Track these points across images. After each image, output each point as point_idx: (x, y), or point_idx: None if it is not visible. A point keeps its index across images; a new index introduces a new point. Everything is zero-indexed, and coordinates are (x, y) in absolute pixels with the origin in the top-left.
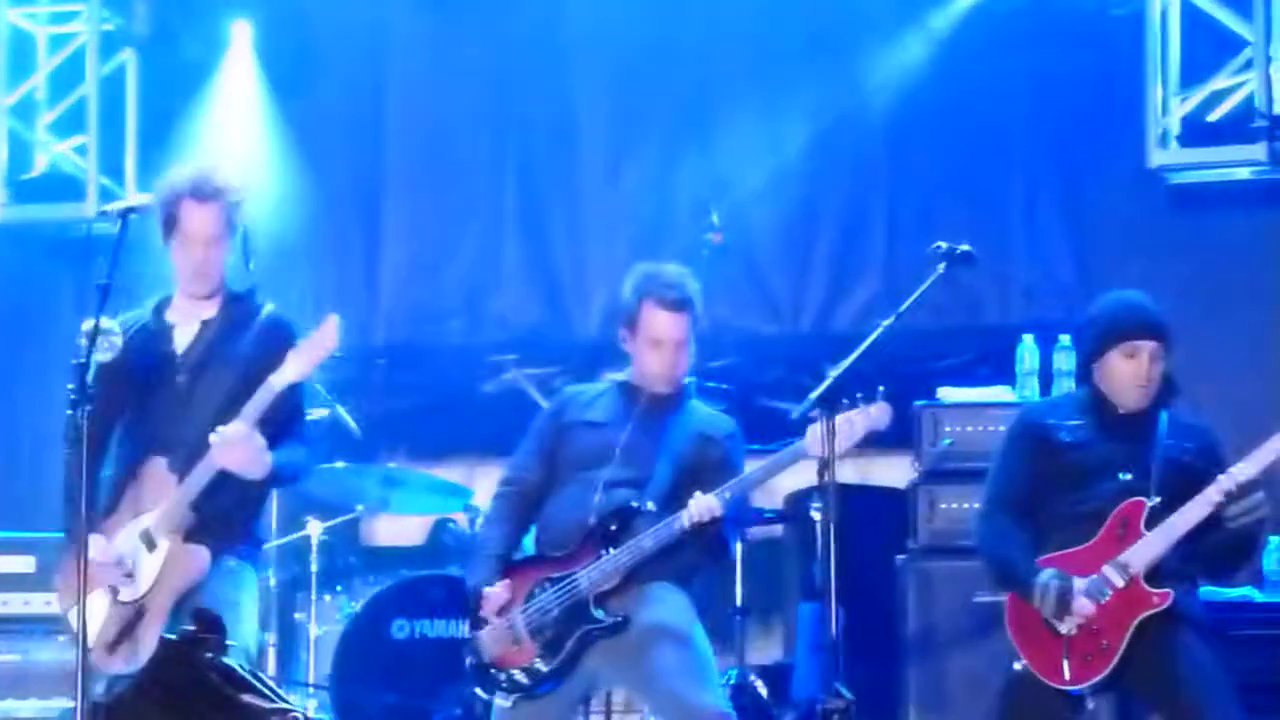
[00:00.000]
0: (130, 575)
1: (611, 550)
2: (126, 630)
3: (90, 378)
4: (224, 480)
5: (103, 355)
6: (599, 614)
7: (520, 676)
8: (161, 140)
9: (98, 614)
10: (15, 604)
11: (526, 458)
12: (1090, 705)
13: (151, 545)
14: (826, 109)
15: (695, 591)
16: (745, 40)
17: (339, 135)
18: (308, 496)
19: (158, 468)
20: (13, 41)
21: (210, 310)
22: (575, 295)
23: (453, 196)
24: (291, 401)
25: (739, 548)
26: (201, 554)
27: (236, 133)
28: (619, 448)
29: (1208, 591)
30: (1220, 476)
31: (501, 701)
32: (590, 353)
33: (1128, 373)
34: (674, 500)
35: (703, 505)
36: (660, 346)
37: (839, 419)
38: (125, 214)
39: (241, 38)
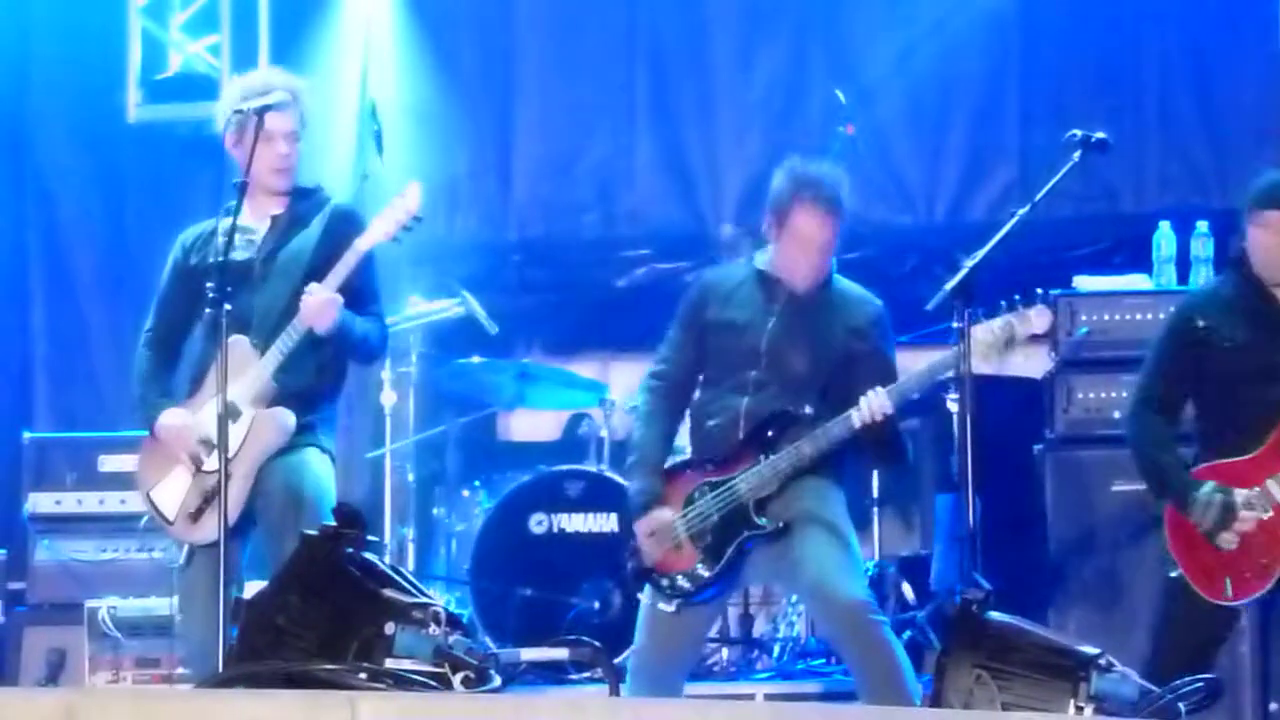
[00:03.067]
0: (212, 447)
1: (770, 456)
2: (208, 501)
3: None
4: (304, 352)
5: (240, 254)
6: (760, 520)
7: (683, 582)
8: (293, 39)
9: (180, 486)
10: (133, 501)
11: (673, 350)
12: (1244, 621)
13: (236, 415)
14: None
15: (848, 486)
16: None
17: (470, 31)
18: (445, 392)
19: (240, 345)
20: None
21: (279, 207)
22: (708, 189)
23: (584, 91)
24: (367, 278)
25: None
26: (285, 416)
27: (368, 30)
28: (765, 348)
29: None
30: None
31: (665, 606)
32: (723, 247)
33: (1265, 243)
34: (827, 400)
35: (875, 404)
36: (808, 246)
37: (997, 322)
38: (262, 112)
39: None
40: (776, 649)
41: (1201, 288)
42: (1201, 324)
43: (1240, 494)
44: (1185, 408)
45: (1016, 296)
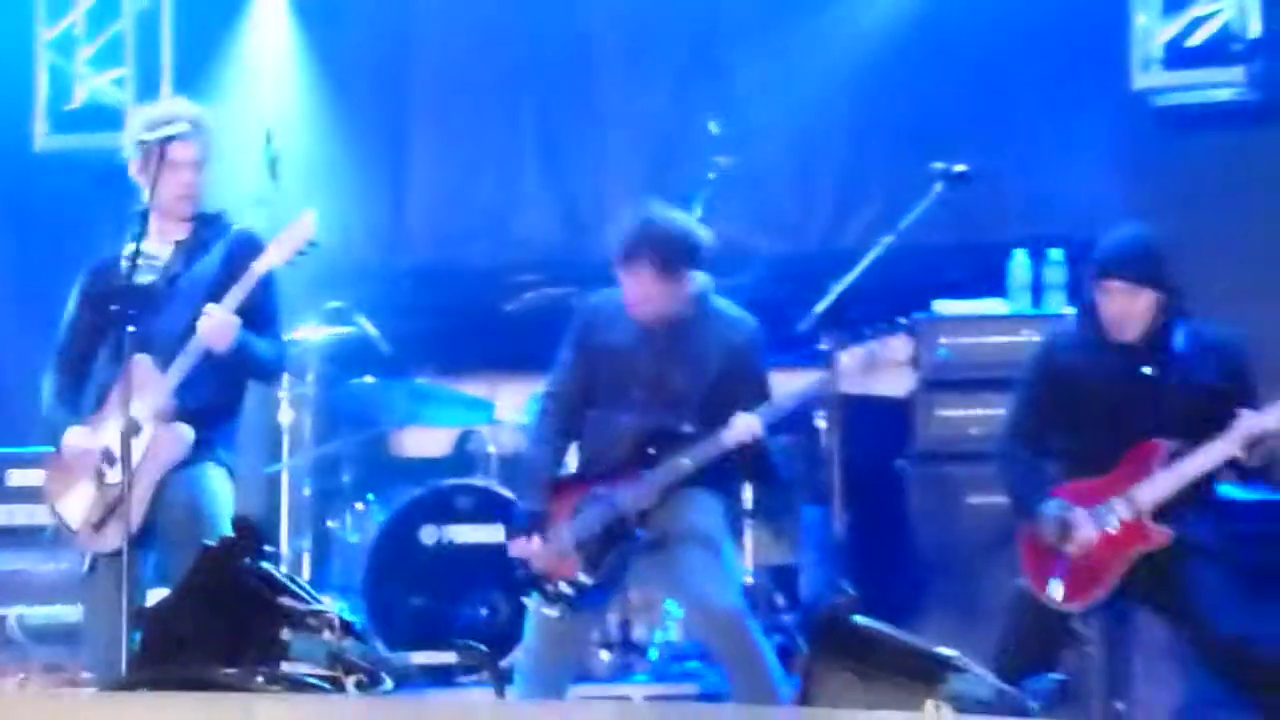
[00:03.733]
0: (114, 461)
1: (651, 471)
2: (111, 511)
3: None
4: (204, 371)
5: (144, 277)
6: (639, 532)
7: (567, 588)
8: (195, 73)
9: (84, 498)
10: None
11: (562, 373)
12: (1080, 627)
13: (137, 430)
14: (829, 39)
15: (731, 496)
16: None
17: (366, 65)
18: (340, 410)
19: (143, 364)
20: None
21: (183, 232)
22: (593, 217)
23: (475, 125)
24: (266, 300)
25: None
26: (182, 431)
27: (268, 65)
28: (645, 369)
29: None
30: (1236, 425)
31: (548, 611)
32: (607, 272)
33: (1107, 308)
34: (707, 417)
35: (743, 427)
36: (643, 304)
37: (862, 349)
38: (164, 143)
39: None
40: (653, 653)
41: (1064, 325)
42: (1063, 360)
43: (1081, 510)
44: (1050, 437)
45: (881, 324)
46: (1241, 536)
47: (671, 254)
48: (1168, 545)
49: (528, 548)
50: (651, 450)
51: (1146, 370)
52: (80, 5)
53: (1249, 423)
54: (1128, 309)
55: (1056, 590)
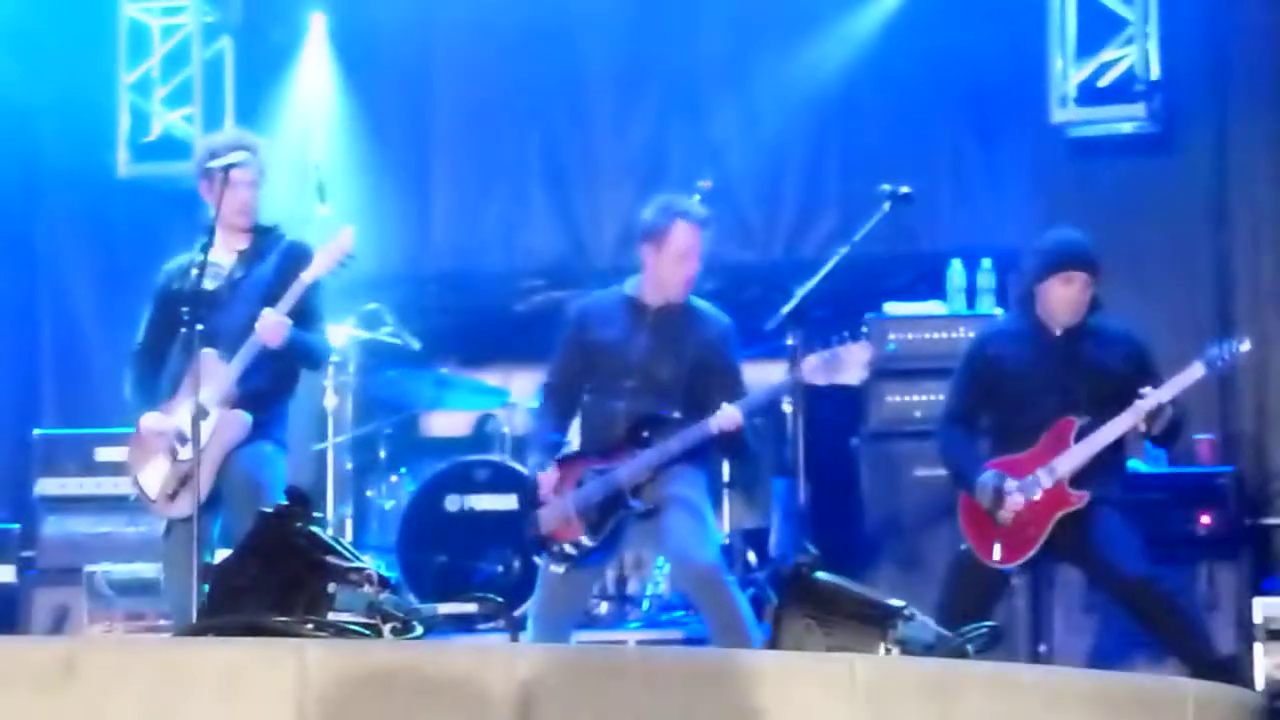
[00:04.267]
0: (185, 441)
1: (644, 451)
2: (183, 483)
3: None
4: (262, 363)
5: (210, 283)
6: (634, 503)
7: (570, 549)
8: (253, 110)
9: (160, 472)
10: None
11: (560, 366)
12: (1015, 581)
13: (204, 414)
14: (791, 78)
15: (711, 470)
16: (723, 21)
17: (396, 104)
18: (376, 397)
19: (210, 357)
20: (131, 32)
21: (244, 242)
22: (591, 231)
23: (489, 152)
24: (313, 302)
25: None
26: (242, 417)
27: (314, 103)
28: (635, 361)
29: None
30: (1138, 400)
31: (555, 568)
32: (603, 277)
33: (1063, 297)
34: (690, 402)
35: (727, 416)
36: (685, 258)
37: (827, 353)
38: (226, 170)
39: (318, 26)
40: (645, 604)
41: (993, 322)
42: (992, 352)
43: (1012, 481)
44: (981, 417)
45: (846, 332)
46: (1142, 502)
47: (707, 215)
48: (1084, 506)
49: (547, 480)
50: (645, 434)
51: (1071, 357)
52: (157, 53)
53: (1145, 400)
54: (1081, 298)
55: (997, 552)
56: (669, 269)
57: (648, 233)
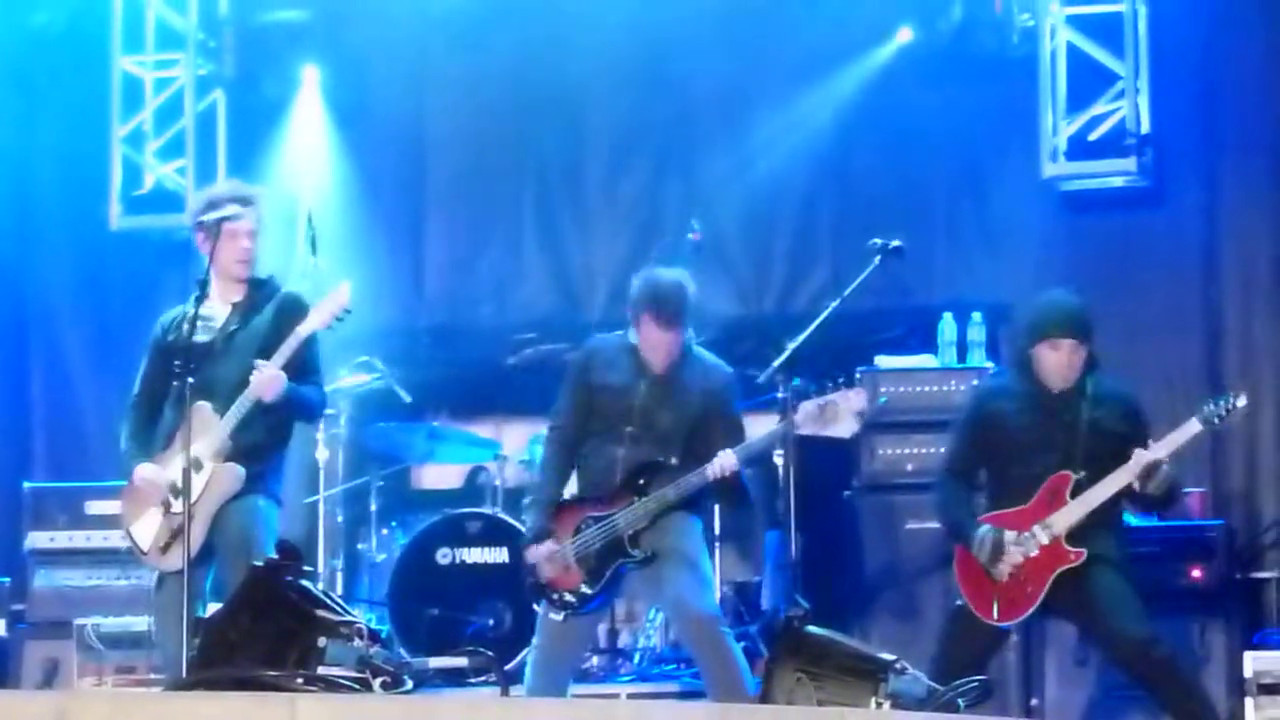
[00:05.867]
0: (178, 493)
1: (643, 498)
2: (175, 536)
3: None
4: (256, 416)
5: (202, 337)
6: (633, 551)
7: (570, 597)
8: (246, 162)
9: (152, 524)
10: (114, 539)
11: (565, 405)
12: (1014, 638)
13: (198, 467)
14: (784, 133)
15: (706, 517)
16: (718, 78)
17: (389, 156)
18: (368, 449)
19: (203, 410)
20: (125, 84)
21: (239, 294)
22: (583, 285)
23: (482, 206)
24: (310, 355)
25: None
26: (236, 470)
27: (306, 156)
28: (637, 408)
29: None
30: (1133, 458)
31: (555, 616)
32: (595, 331)
33: (1053, 361)
34: (689, 450)
35: (723, 463)
36: (653, 349)
37: (822, 400)
38: (219, 223)
39: (310, 79)
40: (637, 657)
41: (994, 379)
42: (992, 408)
43: (1009, 535)
44: (979, 472)
45: (840, 379)
46: (1133, 555)
47: (679, 310)
48: (1081, 564)
49: (538, 553)
50: (643, 480)
51: (1068, 416)
52: (149, 106)
53: (1142, 457)
54: (1072, 361)
55: (995, 610)
56: (646, 350)
57: (629, 307)
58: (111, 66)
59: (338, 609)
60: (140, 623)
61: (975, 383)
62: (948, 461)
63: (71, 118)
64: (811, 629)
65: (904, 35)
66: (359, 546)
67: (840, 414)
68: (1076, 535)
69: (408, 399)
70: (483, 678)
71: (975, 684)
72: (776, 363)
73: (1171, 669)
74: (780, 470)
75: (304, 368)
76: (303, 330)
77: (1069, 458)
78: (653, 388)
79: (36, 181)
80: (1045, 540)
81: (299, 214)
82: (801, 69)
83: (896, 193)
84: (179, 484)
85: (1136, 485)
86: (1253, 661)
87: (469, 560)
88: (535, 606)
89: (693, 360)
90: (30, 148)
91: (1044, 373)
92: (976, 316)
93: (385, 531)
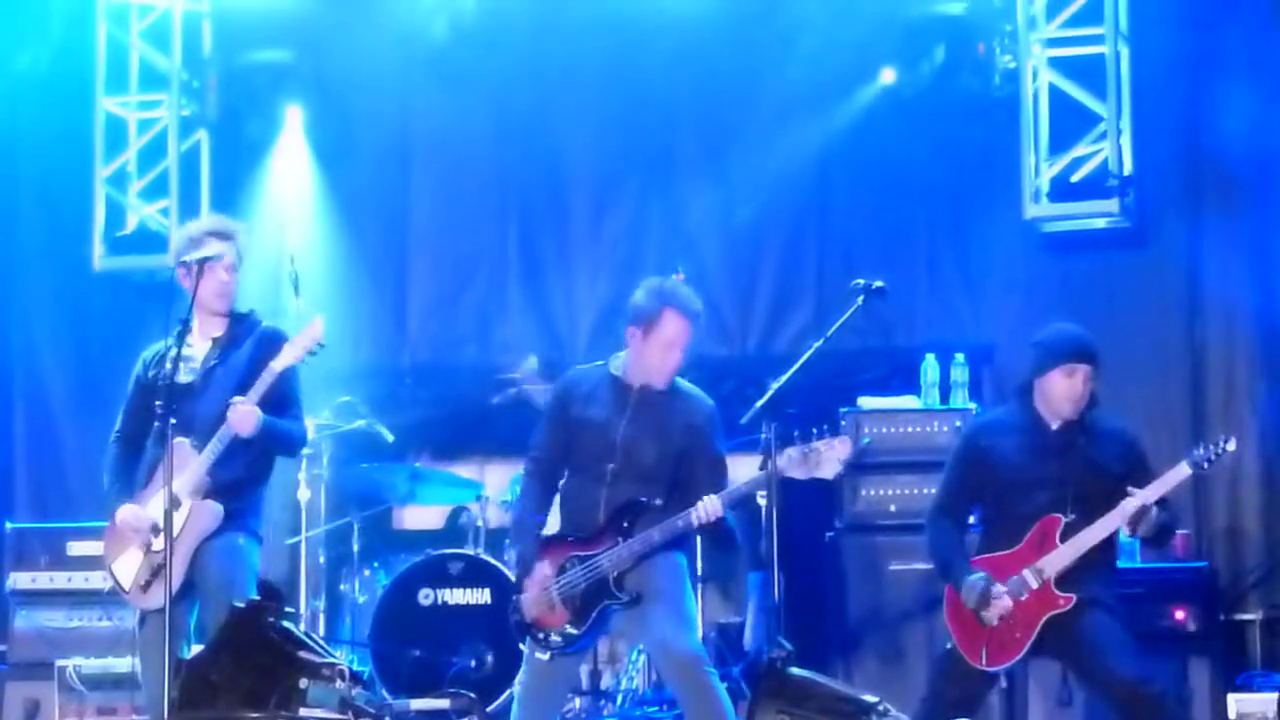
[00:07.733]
0: (159, 531)
1: (627, 540)
2: (155, 574)
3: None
4: (235, 452)
5: (185, 377)
6: (619, 593)
7: (555, 638)
8: (229, 202)
9: (133, 562)
10: (94, 580)
11: (544, 439)
12: (1003, 683)
13: (177, 505)
14: (767, 173)
15: (689, 553)
16: (700, 118)
17: (372, 196)
18: (350, 490)
19: (183, 447)
20: (108, 125)
21: (219, 329)
22: (566, 324)
23: (466, 246)
24: (288, 389)
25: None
26: (214, 508)
27: (290, 196)
28: (619, 443)
29: None
30: (1123, 501)
31: (540, 655)
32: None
33: (1066, 389)
34: (674, 488)
35: (709, 507)
36: (670, 349)
37: (805, 447)
38: (201, 263)
39: (294, 119)
40: (619, 698)
41: (988, 415)
42: (984, 444)
43: (999, 586)
44: (970, 510)
45: (825, 426)
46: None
47: (698, 307)
48: (1071, 608)
49: (533, 582)
50: (627, 522)
51: (1064, 453)
52: (133, 146)
53: (1129, 503)
54: (1082, 390)
55: (984, 656)
56: (654, 357)
57: (636, 316)
58: (95, 107)
59: (319, 650)
60: (122, 664)
61: (958, 424)
62: (938, 499)
63: (55, 158)
64: (794, 670)
65: (887, 76)
66: (341, 587)
67: (824, 460)
68: (1067, 578)
69: (390, 439)
70: (465, 719)
71: None
72: (759, 403)
73: (1161, 707)
74: (763, 511)
75: (282, 401)
76: (276, 365)
77: (1063, 497)
78: (636, 419)
79: (20, 221)
80: (1035, 585)
81: (282, 254)
82: (784, 109)
83: (879, 233)
84: (159, 522)
85: (1126, 530)
86: (1236, 704)
87: (451, 601)
88: (520, 645)
89: (675, 391)
90: (14, 188)
91: (1054, 400)
92: (959, 357)
93: (367, 572)
